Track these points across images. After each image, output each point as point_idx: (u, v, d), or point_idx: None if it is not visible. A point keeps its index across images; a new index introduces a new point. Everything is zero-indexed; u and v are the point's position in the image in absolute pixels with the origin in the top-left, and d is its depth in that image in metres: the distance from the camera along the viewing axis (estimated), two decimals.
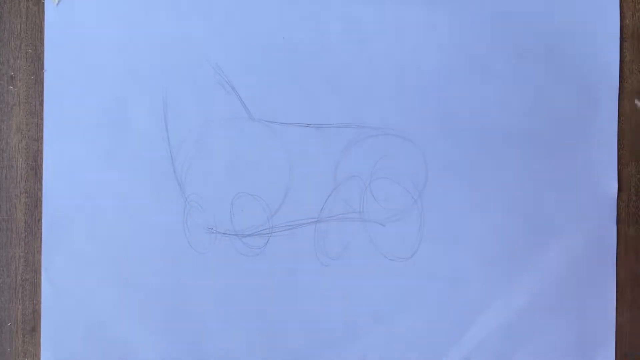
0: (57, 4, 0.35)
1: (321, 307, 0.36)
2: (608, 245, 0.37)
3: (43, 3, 0.35)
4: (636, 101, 0.35)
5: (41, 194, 0.35)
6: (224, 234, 0.36)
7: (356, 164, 0.36)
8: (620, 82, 0.37)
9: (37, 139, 0.36)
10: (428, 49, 0.37)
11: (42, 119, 0.35)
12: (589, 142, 0.37)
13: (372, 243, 0.36)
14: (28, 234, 0.36)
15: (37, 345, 0.35)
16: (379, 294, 0.36)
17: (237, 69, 0.36)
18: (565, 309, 0.37)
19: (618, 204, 0.37)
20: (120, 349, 0.36)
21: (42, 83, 0.35)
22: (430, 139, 0.36)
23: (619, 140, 0.37)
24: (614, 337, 0.37)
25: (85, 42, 0.35)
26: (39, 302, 0.35)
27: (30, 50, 0.36)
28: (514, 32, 0.37)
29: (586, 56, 0.37)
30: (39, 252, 0.36)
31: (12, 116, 0.36)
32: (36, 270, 0.36)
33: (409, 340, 0.36)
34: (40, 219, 0.36)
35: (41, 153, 0.36)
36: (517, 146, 0.37)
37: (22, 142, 0.36)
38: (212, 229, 0.36)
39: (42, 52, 0.35)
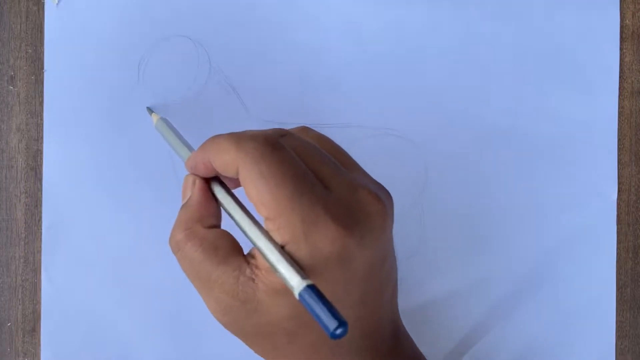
0: (57, 4, 0.35)
1: None
2: (608, 245, 0.37)
3: (43, 3, 0.35)
4: None
5: (41, 194, 0.35)
6: None
7: None
8: (620, 82, 0.37)
9: (37, 139, 0.36)
10: (428, 49, 0.37)
11: (42, 119, 0.35)
12: (589, 142, 0.37)
13: None
14: (28, 234, 0.36)
15: (37, 345, 0.35)
16: None
17: (237, 69, 0.36)
18: (565, 309, 0.37)
19: (618, 204, 0.37)
20: (120, 349, 0.36)
21: (42, 83, 0.35)
22: (430, 139, 0.36)
23: (619, 140, 0.37)
24: (614, 337, 0.37)
25: (85, 42, 0.35)
26: (39, 302, 0.35)
27: (30, 50, 0.36)
28: (514, 32, 0.37)
29: (586, 56, 0.37)
30: (39, 252, 0.36)
31: (12, 116, 0.36)
32: (36, 270, 0.36)
33: None
34: (40, 219, 0.36)
35: (41, 153, 0.36)
36: (517, 146, 0.37)
37: (22, 142, 0.36)
38: None
39: (42, 52, 0.35)
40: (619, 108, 0.37)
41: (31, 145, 0.36)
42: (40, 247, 0.35)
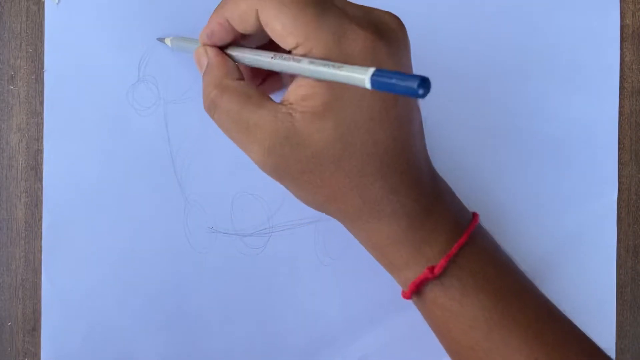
0: (57, 4, 0.35)
1: (321, 307, 0.36)
2: (608, 245, 0.37)
3: (43, 3, 0.35)
4: None
5: (41, 193, 0.35)
6: (224, 233, 0.36)
7: None
8: (620, 82, 0.37)
9: (38, 138, 0.36)
10: (428, 48, 0.37)
11: (42, 118, 0.35)
12: (589, 142, 0.37)
13: None
14: (28, 234, 0.36)
15: (37, 345, 0.35)
16: (380, 294, 0.36)
17: None
18: (565, 309, 0.37)
19: (618, 204, 0.37)
20: (120, 349, 0.36)
21: (42, 83, 0.35)
22: (430, 138, 0.36)
23: (619, 140, 0.37)
24: (614, 337, 0.37)
25: (85, 42, 0.35)
26: (39, 302, 0.35)
27: (31, 50, 0.36)
28: (514, 32, 0.37)
29: (586, 56, 0.37)
30: (39, 251, 0.36)
31: (12, 116, 0.36)
32: (36, 270, 0.36)
33: (409, 339, 0.36)
34: (40, 219, 0.36)
35: (41, 153, 0.36)
36: (517, 146, 0.37)
37: (22, 141, 0.36)
38: (212, 228, 0.36)
39: (42, 52, 0.35)
40: (619, 108, 0.37)
41: (31, 145, 0.36)
42: (40, 246, 0.35)
